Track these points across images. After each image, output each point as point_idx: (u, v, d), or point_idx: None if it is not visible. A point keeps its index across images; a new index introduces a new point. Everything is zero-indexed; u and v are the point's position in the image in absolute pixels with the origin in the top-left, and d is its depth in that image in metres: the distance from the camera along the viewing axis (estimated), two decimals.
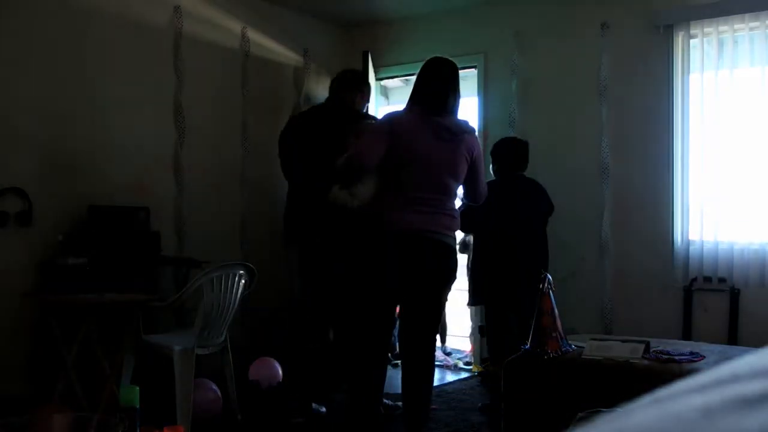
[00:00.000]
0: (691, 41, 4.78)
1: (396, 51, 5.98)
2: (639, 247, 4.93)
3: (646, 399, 0.33)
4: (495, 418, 3.71)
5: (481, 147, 3.52)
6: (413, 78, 3.46)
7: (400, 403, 3.96)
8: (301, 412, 3.87)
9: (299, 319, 4.32)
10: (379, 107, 6.28)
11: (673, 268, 4.76)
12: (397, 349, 4.91)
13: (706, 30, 4.69)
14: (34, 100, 4.24)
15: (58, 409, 3.20)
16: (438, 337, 4.65)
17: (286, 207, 4.30)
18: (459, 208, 4.41)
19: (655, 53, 4.88)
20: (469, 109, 5.78)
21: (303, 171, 4.07)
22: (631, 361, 2.97)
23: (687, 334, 4.64)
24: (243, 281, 3.89)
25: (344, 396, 3.97)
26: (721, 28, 4.64)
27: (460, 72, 5.73)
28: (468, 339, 6.02)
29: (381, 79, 6.24)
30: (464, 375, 5.32)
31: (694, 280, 4.70)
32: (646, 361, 2.97)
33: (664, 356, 3.00)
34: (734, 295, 4.57)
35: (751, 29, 4.57)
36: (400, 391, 3.47)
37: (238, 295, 3.87)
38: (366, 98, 4.42)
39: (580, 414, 1.84)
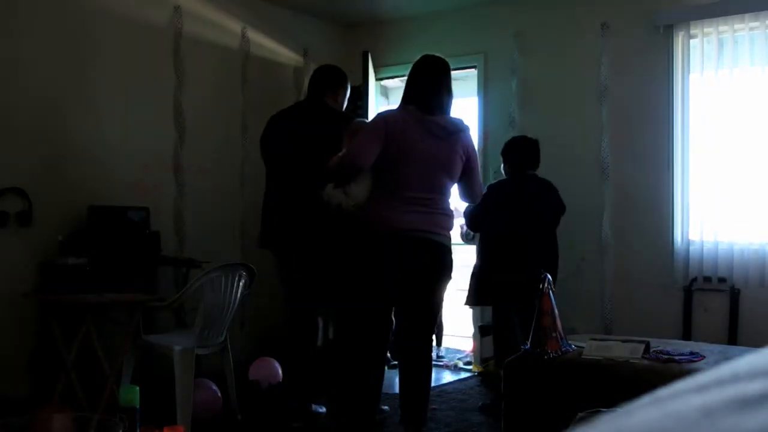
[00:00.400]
0: (691, 41, 4.78)
1: (396, 51, 5.98)
2: (639, 247, 4.93)
3: (646, 399, 0.33)
4: (495, 418, 3.71)
5: (477, 147, 3.51)
6: None
7: (386, 407, 3.93)
8: (300, 415, 3.86)
9: (290, 326, 4.12)
10: (379, 107, 6.28)
11: (673, 268, 4.76)
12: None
13: (706, 30, 4.69)
14: (34, 100, 4.25)
15: (58, 409, 3.20)
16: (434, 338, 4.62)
17: (263, 207, 4.02)
18: (466, 207, 4.40)
19: (655, 53, 4.89)
20: (469, 109, 5.79)
21: (283, 171, 3.84)
22: (631, 361, 2.97)
23: (687, 334, 4.64)
24: (243, 281, 3.89)
25: (331, 399, 3.92)
26: (721, 28, 4.64)
27: (461, 72, 5.81)
28: (469, 339, 6.02)
29: (381, 79, 6.24)
30: (464, 375, 5.32)
31: (694, 280, 4.70)
32: (646, 361, 2.97)
33: (664, 356, 3.00)
34: (734, 295, 4.57)
35: (751, 29, 4.57)
36: (398, 392, 3.47)
37: (238, 295, 3.87)
38: (346, 94, 4.12)
39: (580, 414, 1.84)
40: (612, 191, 5.05)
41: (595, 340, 3.21)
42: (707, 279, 4.66)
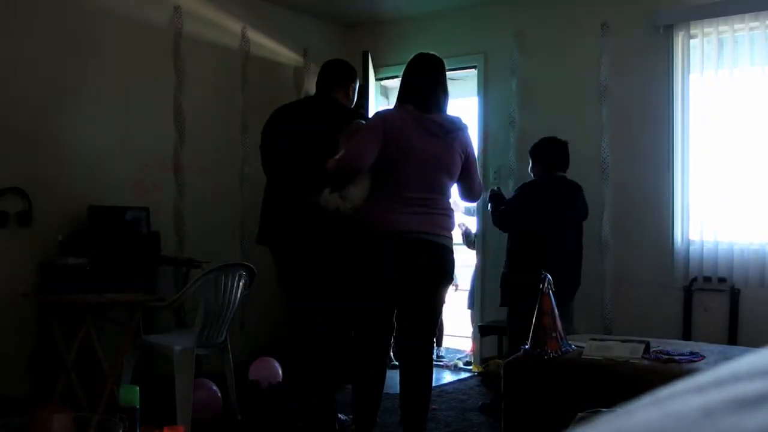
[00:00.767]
0: (691, 41, 4.78)
1: (396, 51, 5.97)
2: (639, 247, 4.93)
3: (646, 399, 0.33)
4: (495, 417, 3.71)
5: (477, 147, 3.48)
6: None
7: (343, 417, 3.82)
8: (301, 414, 3.85)
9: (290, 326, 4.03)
10: (379, 107, 6.27)
11: (673, 268, 4.76)
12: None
13: (706, 30, 4.69)
14: (35, 100, 4.25)
15: (58, 409, 3.20)
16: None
17: (262, 203, 3.93)
18: (495, 208, 4.35)
19: (655, 53, 4.88)
20: (469, 109, 5.79)
21: (284, 167, 3.74)
22: (631, 361, 2.97)
23: (687, 334, 4.64)
24: (243, 281, 3.89)
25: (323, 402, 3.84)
26: (721, 28, 4.64)
27: (461, 72, 5.81)
28: (469, 339, 6.03)
29: (381, 79, 6.23)
30: (464, 375, 5.32)
31: (694, 280, 4.70)
32: (646, 361, 2.96)
33: (664, 356, 3.00)
34: (734, 295, 4.57)
35: (751, 29, 4.57)
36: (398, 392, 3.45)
37: (238, 295, 3.87)
38: (356, 89, 4.07)
39: (580, 414, 1.84)
40: (612, 191, 5.05)
41: (595, 340, 3.20)
42: (707, 279, 4.66)
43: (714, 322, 4.62)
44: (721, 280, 4.62)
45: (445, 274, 3.26)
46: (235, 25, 5.39)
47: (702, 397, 0.31)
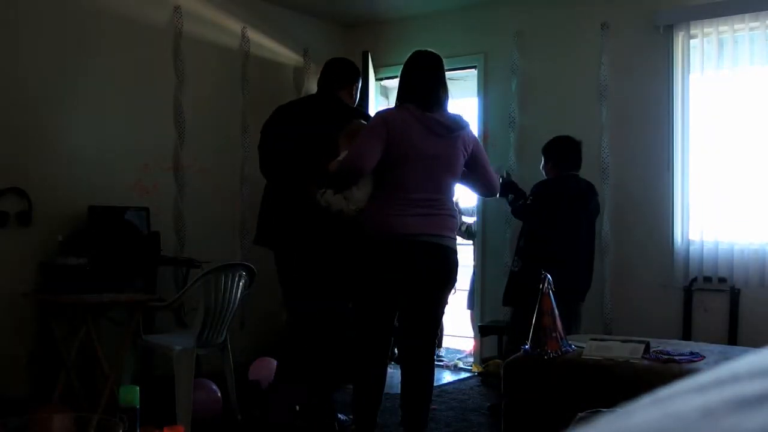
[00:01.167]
0: (691, 41, 4.78)
1: (396, 51, 5.97)
2: (639, 247, 4.93)
3: (646, 399, 0.33)
4: (496, 418, 3.70)
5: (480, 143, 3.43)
6: None
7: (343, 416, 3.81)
8: (301, 414, 3.85)
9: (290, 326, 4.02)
10: (379, 107, 6.27)
11: (673, 268, 4.76)
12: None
13: (706, 30, 4.69)
14: (35, 100, 4.25)
15: (58, 409, 3.20)
16: None
17: (261, 203, 3.92)
18: (518, 204, 4.34)
19: (655, 53, 4.88)
20: (469, 109, 5.79)
21: (285, 167, 3.73)
22: (631, 361, 2.97)
23: (687, 334, 4.64)
24: (243, 281, 3.89)
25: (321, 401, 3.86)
26: (721, 28, 4.64)
27: (461, 72, 5.81)
28: (469, 339, 6.03)
29: (381, 79, 6.24)
30: (464, 375, 5.32)
31: (694, 280, 4.70)
32: (646, 361, 2.96)
33: (664, 356, 3.00)
34: (734, 295, 4.57)
35: (751, 29, 4.57)
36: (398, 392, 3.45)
37: (238, 295, 3.87)
38: (359, 87, 4.06)
39: (580, 414, 1.84)
40: (612, 191, 5.04)
41: (595, 340, 3.20)
42: (707, 279, 4.66)
43: (714, 322, 4.62)
44: (721, 280, 4.62)
45: (449, 277, 3.23)
46: (235, 25, 5.39)
47: (702, 397, 0.31)
